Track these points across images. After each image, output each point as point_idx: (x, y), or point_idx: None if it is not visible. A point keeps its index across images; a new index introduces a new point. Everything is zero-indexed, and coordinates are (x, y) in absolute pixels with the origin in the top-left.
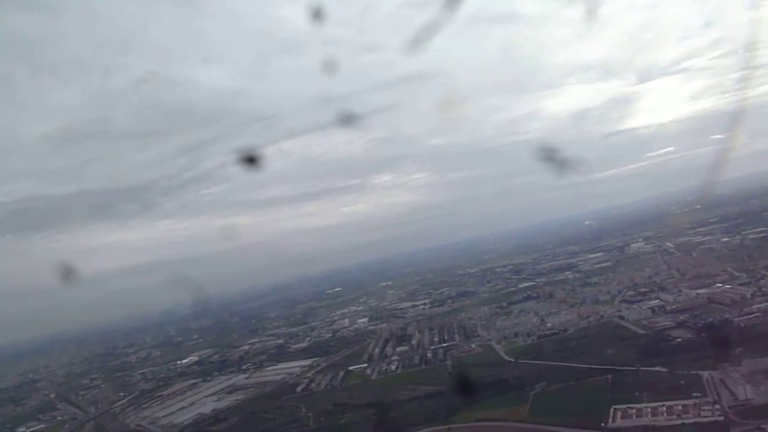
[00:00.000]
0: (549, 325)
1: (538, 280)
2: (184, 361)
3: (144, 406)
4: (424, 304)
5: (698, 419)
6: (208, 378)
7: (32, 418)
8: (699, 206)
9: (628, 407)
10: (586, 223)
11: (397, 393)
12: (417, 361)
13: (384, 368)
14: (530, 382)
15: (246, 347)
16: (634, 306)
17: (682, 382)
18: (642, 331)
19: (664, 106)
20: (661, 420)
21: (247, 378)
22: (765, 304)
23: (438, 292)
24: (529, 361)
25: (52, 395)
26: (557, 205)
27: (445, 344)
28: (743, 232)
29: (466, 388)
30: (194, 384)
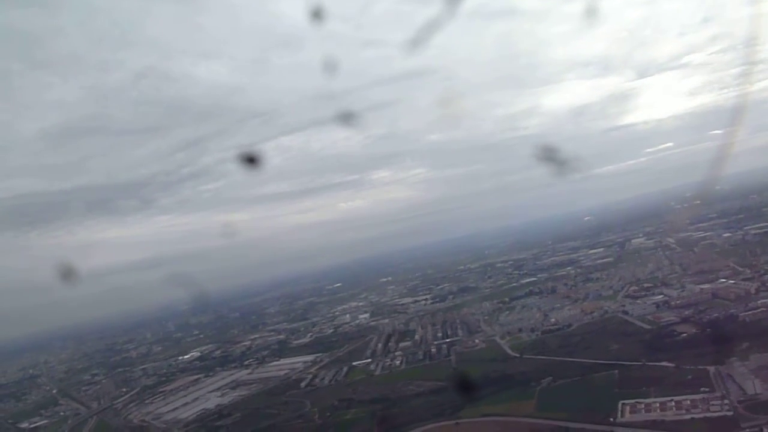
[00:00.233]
0: (552, 320)
1: (539, 276)
2: (185, 356)
3: (147, 401)
4: (426, 299)
5: (707, 414)
6: (211, 373)
7: (34, 413)
8: (699, 202)
9: (637, 402)
10: (586, 218)
11: (403, 388)
12: (421, 357)
13: (388, 364)
14: (536, 377)
15: (247, 343)
16: (638, 301)
17: (690, 377)
18: (647, 327)
19: (663, 101)
20: (670, 415)
21: (249, 373)
22: None
23: (439, 287)
24: (534, 357)
25: (54, 391)
26: (556, 201)
27: (448, 340)
28: (744, 228)
29: (471, 384)
30: (196, 379)
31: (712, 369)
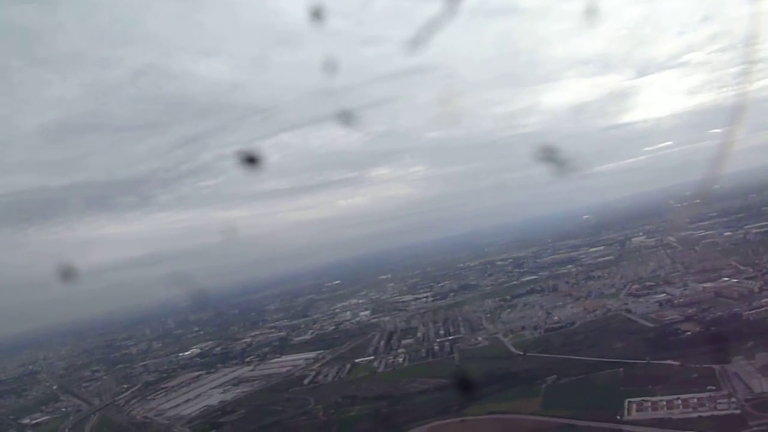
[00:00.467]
0: (555, 318)
1: (540, 274)
2: (186, 353)
3: (149, 398)
4: (426, 297)
5: (715, 412)
6: (212, 370)
7: (35, 409)
8: (698, 200)
9: (643, 400)
10: (585, 217)
11: (406, 386)
12: (424, 354)
13: (391, 361)
14: (540, 375)
15: (248, 339)
16: (641, 299)
17: (695, 375)
18: (650, 325)
19: (663, 100)
20: (677, 413)
21: (251, 370)
22: None
23: (439, 285)
24: (538, 354)
25: (54, 387)
26: (555, 199)
27: (451, 337)
28: (745, 227)
29: (476, 381)
30: (198, 376)
31: (717, 367)
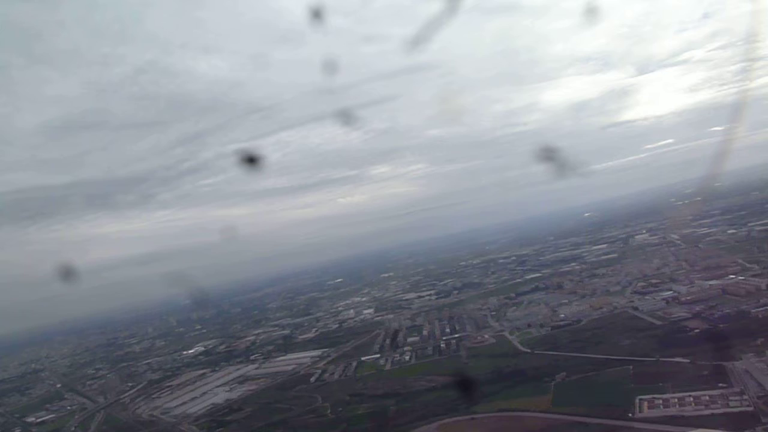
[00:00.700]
0: (561, 315)
1: (543, 272)
2: (189, 351)
3: (154, 396)
4: (429, 295)
5: (727, 410)
6: (217, 368)
7: (39, 408)
8: (699, 198)
9: (654, 397)
10: (586, 214)
11: (414, 383)
12: (430, 352)
13: (397, 358)
14: (549, 372)
15: (251, 338)
16: (647, 297)
17: (706, 372)
18: (658, 322)
19: (663, 98)
20: (689, 410)
21: (257, 368)
22: None
23: (442, 283)
24: (546, 352)
25: (58, 385)
26: (555, 197)
27: (456, 335)
28: (749, 224)
29: (484, 379)
30: (203, 374)
31: (728, 365)
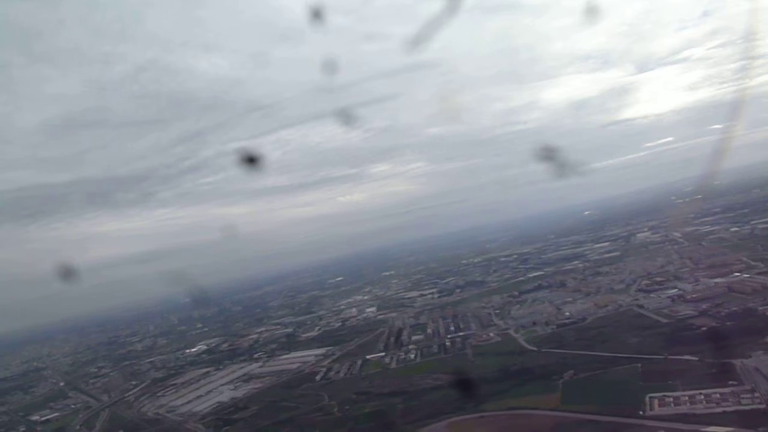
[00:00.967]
0: (566, 314)
1: (546, 270)
2: (192, 349)
3: (159, 394)
4: (432, 293)
5: (739, 407)
6: (220, 367)
7: (43, 406)
8: (700, 196)
9: (665, 395)
10: (586, 213)
11: (421, 381)
12: (436, 350)
13: (402, 357)
14: (557, 370)
15: (254, 336)
16: (652, 295)
17: (715, 370)
18: (664, 320)
19: (663, 96)
20: (700, 408)
21: (261, 367)
22: None
23: (444, 281)
24: (552, 350)
25: (61, 383)
26: (555, 195)
27: (461, 333)
28: (751, 222)
29: (491, 377)
30: (207, 372)
31: (737, 362)
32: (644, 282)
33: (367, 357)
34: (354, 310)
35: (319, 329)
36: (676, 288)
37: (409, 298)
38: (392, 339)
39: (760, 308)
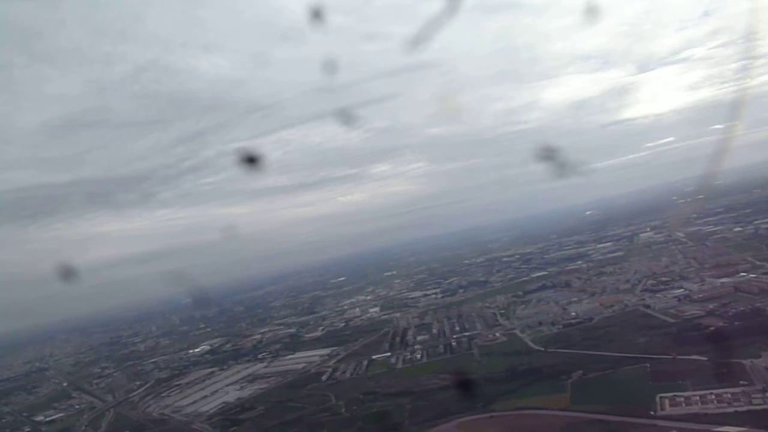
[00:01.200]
0: (572, 313)
1: (550, 270)
2: (195, 349)
3: (163, 394)
4: (435, 293)
5: (751, 407)
6: (225, 367)
7: (47, 406)
8: (701, 196)
9: (675, 395)
10: (587, 213)
11: (428, 381)
12: (441, 350)
13: (408, 357)
14: (565, 370)
15: (257, 336)
16: (658, 295)
17: (725, 370)
18: (671, 320)
19: (664, 96)
20: (712, 408)
21: (266, 367)
22: None
23: (447, 281)
24: (559, 350)
25: (64, 384)
26: (556, 195)
27: (467, 333)
28: (755, 222)
29: (499, 377)
30: (211, 373)
31: (747, 362)
32: (649, 282)
33: (373, 357)
34: (357, 310)
35: (323, 329)
36: (682, 288)
37: (412, 298)
38: (397, 339)
39: None
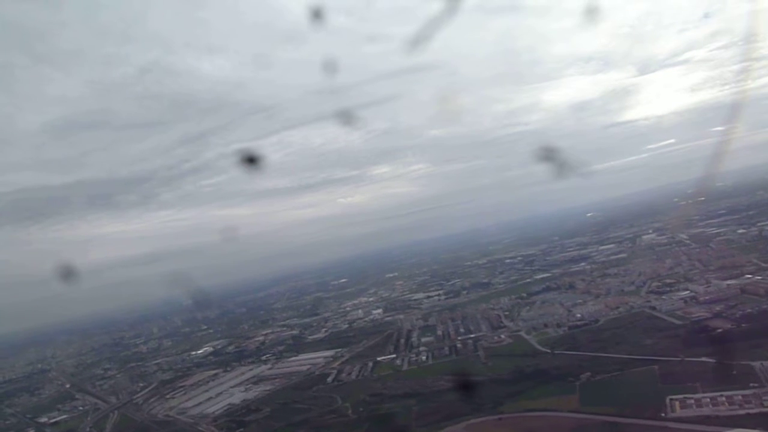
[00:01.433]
0: (578, 315)
1: (553, 271)
2: (198, 351)
3: (168, 396)
4: (438, 295)
5: (762, 409)
6: (228, 368)
7: (51, 408)
8: (703, 198)
9: (686, 397)
10: (588, 214)
11: (434, 383)
12: (447, 352)
13: (414, 359)
14: (572, 372)
15: (260, 338)
16: (664, 297)
17: (734, 372)
18: (678, 322)
19: (664, 97)
20: (723, 410)
21: (270, 368)
22: None
23: (450, 283)
24: (566, 352)
25: (67, 385)
26: (557, 197)
27: (472, 335)
28: (758, 224)
29: (506, 379)
30: (215, 374)
31: (756, 364)
32: (654, 284)
33: (378, 359)
34: (360, 311)
35: (326, 331)
36: (687, 290)
37: (415, 299)
38: (402, 341)
39: None
